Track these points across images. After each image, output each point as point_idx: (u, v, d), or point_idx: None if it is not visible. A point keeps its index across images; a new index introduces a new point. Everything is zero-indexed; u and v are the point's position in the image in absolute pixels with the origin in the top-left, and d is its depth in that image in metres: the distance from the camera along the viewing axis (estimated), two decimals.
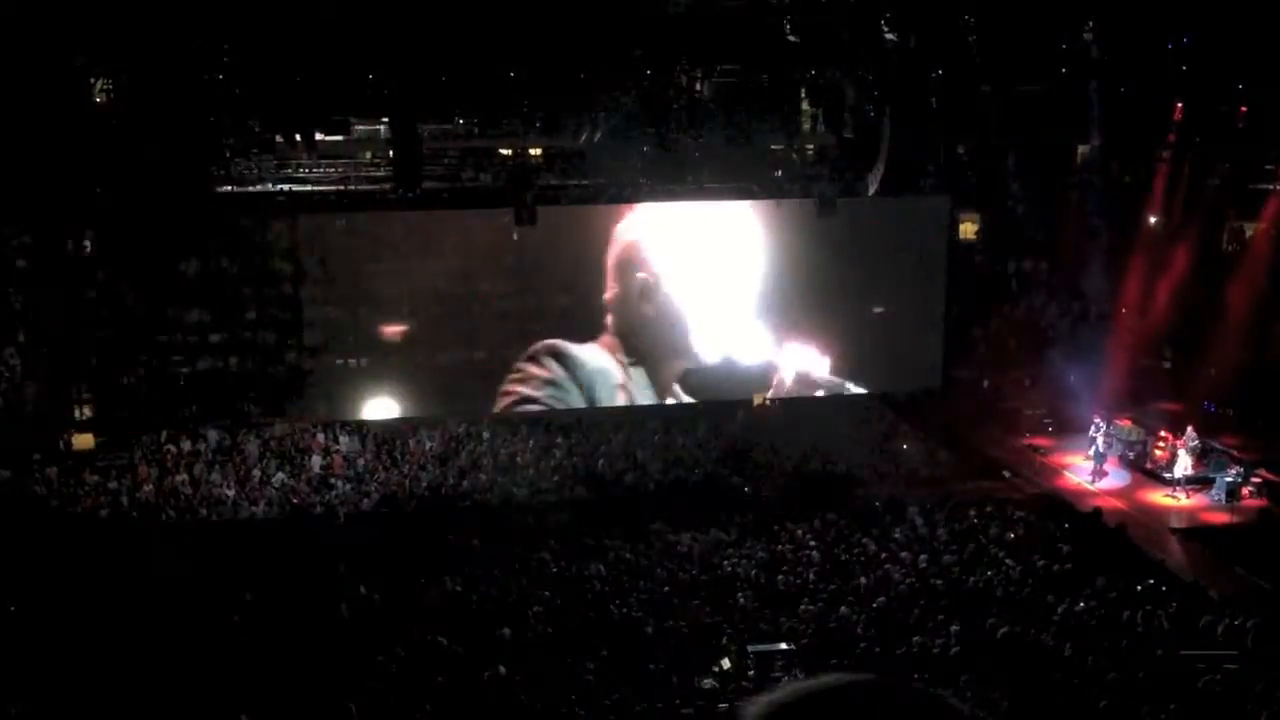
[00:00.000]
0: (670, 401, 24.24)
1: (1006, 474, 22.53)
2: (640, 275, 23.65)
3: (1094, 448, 21.91)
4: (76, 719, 11.80)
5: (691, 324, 23.91)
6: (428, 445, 23.21)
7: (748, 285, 24.00)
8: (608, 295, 23.62)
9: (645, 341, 23.85)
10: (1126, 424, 23.38)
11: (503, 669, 12.54)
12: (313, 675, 12.20)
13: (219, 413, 22.86)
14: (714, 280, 23.82)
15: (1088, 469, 22.05)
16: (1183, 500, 21.15)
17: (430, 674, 12.51)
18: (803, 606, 14.87)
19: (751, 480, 21.92)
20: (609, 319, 23.73)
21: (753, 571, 16.49)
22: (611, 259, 23.63)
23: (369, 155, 25.16)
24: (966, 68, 23.03)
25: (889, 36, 22.93)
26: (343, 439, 23.24)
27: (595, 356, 23.78)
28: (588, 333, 23.72)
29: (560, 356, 23.76)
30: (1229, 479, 20.90)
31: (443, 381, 23.39)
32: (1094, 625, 14.23)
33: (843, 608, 14.74)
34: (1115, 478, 22.09)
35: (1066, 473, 22.41)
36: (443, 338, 23.69)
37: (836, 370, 24.55)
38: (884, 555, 17.09)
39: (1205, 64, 23.20)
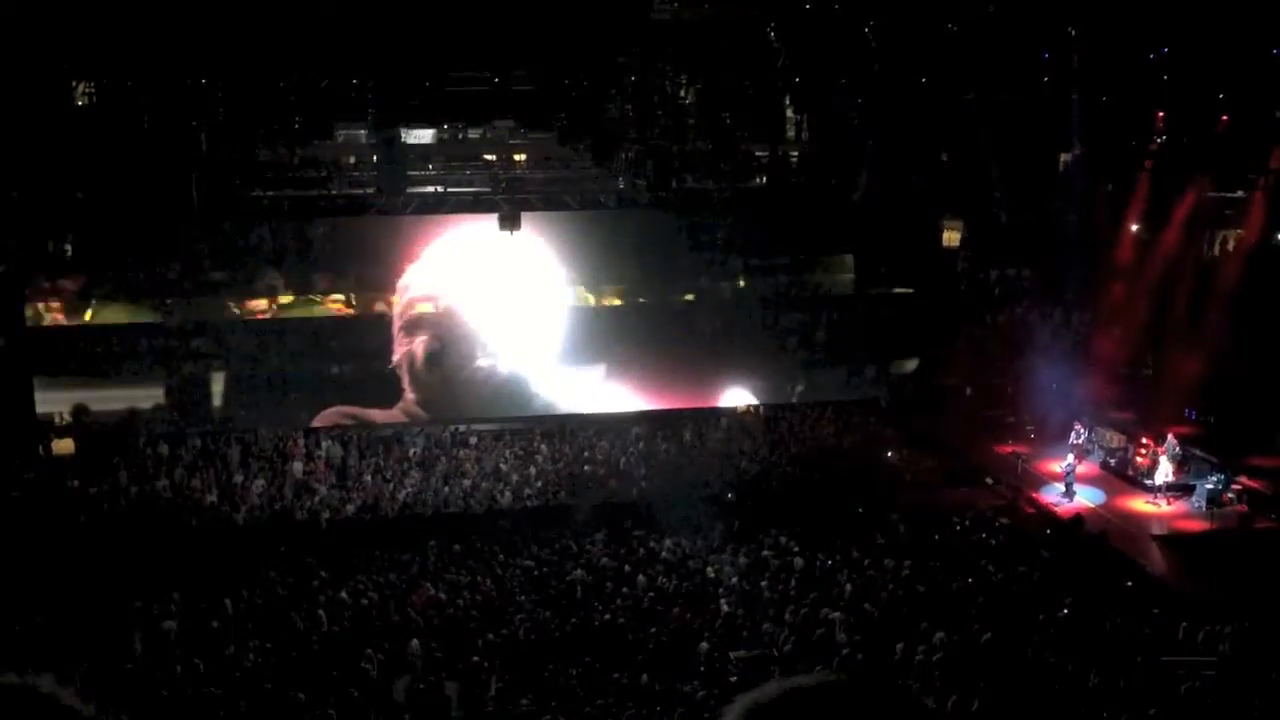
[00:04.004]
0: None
1: (989, 480, 22.57)
2: (422, 339, 23.84)
3: (1067, 464, 21.82)
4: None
5: (484, 375, 24.22)
6: (411, 451, 23.11)
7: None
8: (396, 358, 23.90)
9: (440, 406, 24.20)
10: (1108, 431, 23.44)
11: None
12: (293, 680, 12.12)
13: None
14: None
15: (1058, 490, 21.78)
16: (1164, 507, 21.21)
17: (410, 679, 12.46)
18: (786, 613, 14.86)
19: (735, 487, 21.89)
20: (404, 382, 24.08)
21: (735, 578, 16.48)
22: (397, 319, 23.87)
23: (352, 160, 25.01)
24: (950, 76, 23.10)
25: (873, 45, 22.98)
26: (324, 444, 23.11)
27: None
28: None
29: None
30: (1210, 486, 20.98)
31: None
32: (1075, 631, 14.27)
33: (826, 613, 14.72)
34: (1085, 497, 21.59)
35: (1042, 491, 22.17)
36: None
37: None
38: (868, 561, 17.11)
39: (1186, 73, 23.34)
